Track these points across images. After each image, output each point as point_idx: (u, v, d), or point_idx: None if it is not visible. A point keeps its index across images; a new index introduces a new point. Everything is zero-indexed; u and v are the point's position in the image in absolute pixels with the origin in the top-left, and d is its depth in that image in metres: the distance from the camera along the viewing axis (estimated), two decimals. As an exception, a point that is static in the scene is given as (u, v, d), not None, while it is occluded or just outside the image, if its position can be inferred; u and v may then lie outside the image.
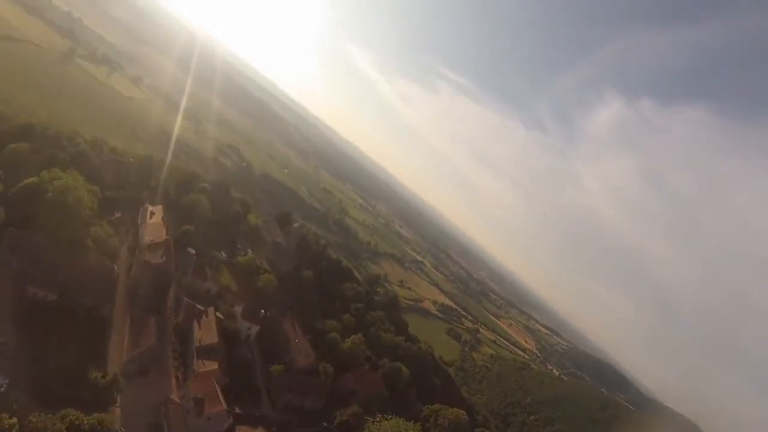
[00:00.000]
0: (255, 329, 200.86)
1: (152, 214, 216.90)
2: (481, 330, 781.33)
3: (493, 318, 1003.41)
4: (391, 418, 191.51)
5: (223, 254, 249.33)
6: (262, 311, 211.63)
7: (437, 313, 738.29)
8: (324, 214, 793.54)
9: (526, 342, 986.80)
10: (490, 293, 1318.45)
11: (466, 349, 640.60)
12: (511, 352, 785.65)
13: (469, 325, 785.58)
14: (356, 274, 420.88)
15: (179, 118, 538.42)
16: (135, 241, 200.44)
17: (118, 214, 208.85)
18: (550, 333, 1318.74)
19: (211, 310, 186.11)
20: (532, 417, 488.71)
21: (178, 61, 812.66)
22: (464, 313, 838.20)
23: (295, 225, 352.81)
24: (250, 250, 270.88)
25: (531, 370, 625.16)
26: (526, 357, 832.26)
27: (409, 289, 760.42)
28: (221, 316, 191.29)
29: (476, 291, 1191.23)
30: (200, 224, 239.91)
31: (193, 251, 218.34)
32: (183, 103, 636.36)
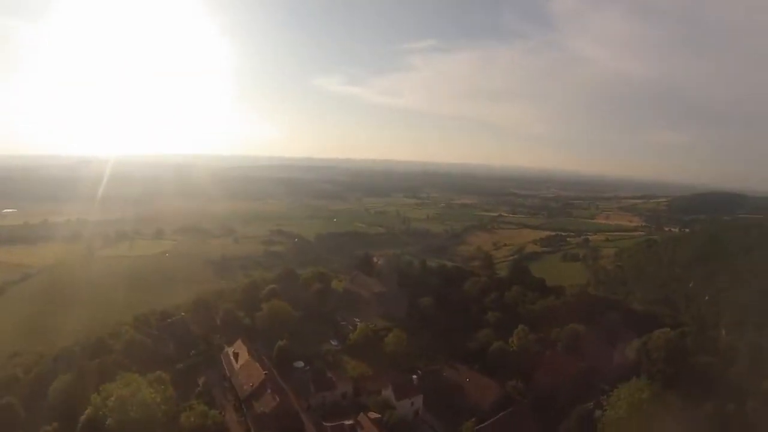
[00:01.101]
0: (419, 401, 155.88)
1: (236, 354, 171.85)
2: (589, 238, 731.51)
3: (589, 221, 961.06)
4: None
5: (333, 342, 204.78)
6: (413, 376, 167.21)
7: (544, 249, 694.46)
8: (390, 233, 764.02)
9: (630, 222, 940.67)
10: (571, 201, 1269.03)
11: (590, 262, 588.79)
12: (627, 239, 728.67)
13: (576, 240, 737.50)
14: (466, 267, 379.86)
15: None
16: (236, 397, 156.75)
17: (202, 379, 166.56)
18: (644, 200, 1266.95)
19: (362, 417, 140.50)
20: (690, 284, 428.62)
21: (185, 195, 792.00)
22: (564, 234, 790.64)
23: (378, 261, 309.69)
24: (357, 320, 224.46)
25: (657, 244, 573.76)
26: (641, 233, 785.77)
27: (505, 245, 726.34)
28: (376, 414, 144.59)
29: (558, 208, 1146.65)
30: (291, 330, 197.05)
31: (301, 364, 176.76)
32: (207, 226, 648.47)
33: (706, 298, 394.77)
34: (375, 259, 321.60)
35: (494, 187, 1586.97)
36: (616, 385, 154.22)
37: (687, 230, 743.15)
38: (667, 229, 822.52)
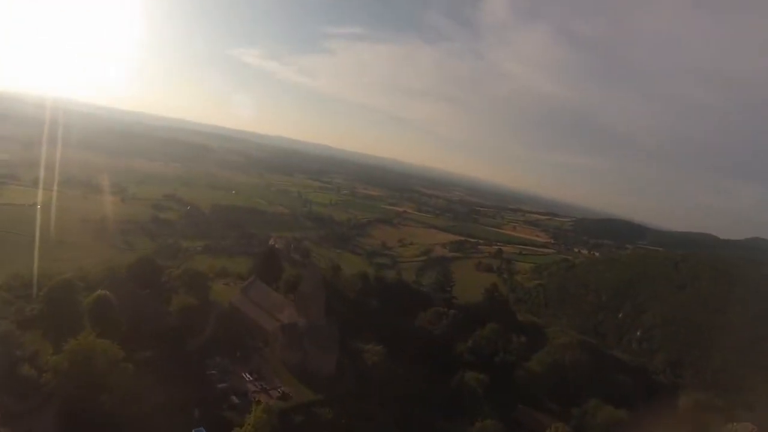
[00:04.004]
0: None
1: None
2: (502, 249, 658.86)
3: (497, 230, 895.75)
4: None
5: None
6: None
7: (454, 253, 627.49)
8: (291, 214, 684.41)
9: (538, 237, 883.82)
10: (477, 208, 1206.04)
11: (506, 276, 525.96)
12: (540, 255, 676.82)
13: (488, 249, 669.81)
14: (416, 285, 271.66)
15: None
16: None
17: None
18: (549, 217, 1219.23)
19: None
20: (620, 315, 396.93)
21: (77, 145, 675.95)
22: (474, 240, 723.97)
23: (291, 257, 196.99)
24: (248, 378, 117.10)
25: (577, 267, 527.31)
26: (552, 250, 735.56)
27: (411, 243, 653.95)
28: None
29: (464, 212, 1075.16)
30: (107, 403, 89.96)
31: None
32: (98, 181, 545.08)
33: (638, 333, 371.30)
34: (277, 246, 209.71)
35: (400, 182, 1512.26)
36: None
37: (596, 254, 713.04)
38: (576, 250, 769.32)
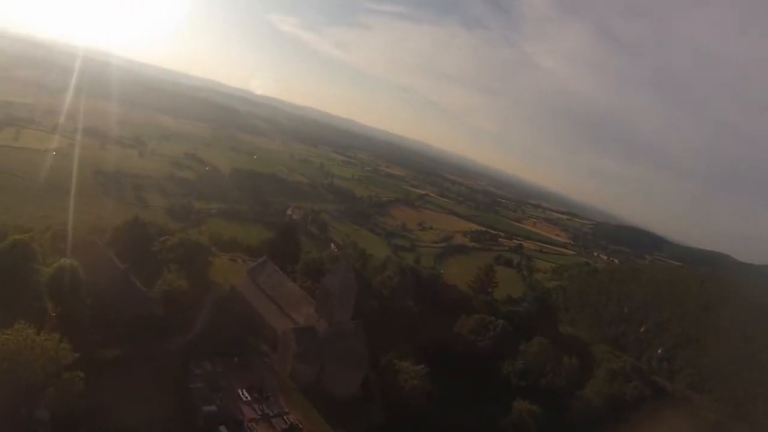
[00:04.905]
0: None
1: None
2: (522, 245, 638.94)
3: (517, 224, 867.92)
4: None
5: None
6: None
7: (473, 243, 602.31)
8: (312, 185, 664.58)
9: (557, 236, 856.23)
10: (499, 200, 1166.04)
11: (525, 273, 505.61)
12: (559, 255, 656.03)
13: (508, 242, 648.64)
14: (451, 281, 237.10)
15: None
16: None
17: None
18: (569, 217, 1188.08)
19: None
20: (642, 329, 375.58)
21: (103, 95, 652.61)
22: (495, 232, 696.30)
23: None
24: (244, 397, 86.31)
25: (599, 272, 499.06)
26: (573, 252, 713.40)
27: (431, 228, 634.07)
28: None
29: (486, 203, 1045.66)
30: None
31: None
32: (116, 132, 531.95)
33: (659, 351, 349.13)
34: (294, 217, 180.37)
35: (424, 165, 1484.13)
36: None
37: (615, 260, 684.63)
38: (596, 254, 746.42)
